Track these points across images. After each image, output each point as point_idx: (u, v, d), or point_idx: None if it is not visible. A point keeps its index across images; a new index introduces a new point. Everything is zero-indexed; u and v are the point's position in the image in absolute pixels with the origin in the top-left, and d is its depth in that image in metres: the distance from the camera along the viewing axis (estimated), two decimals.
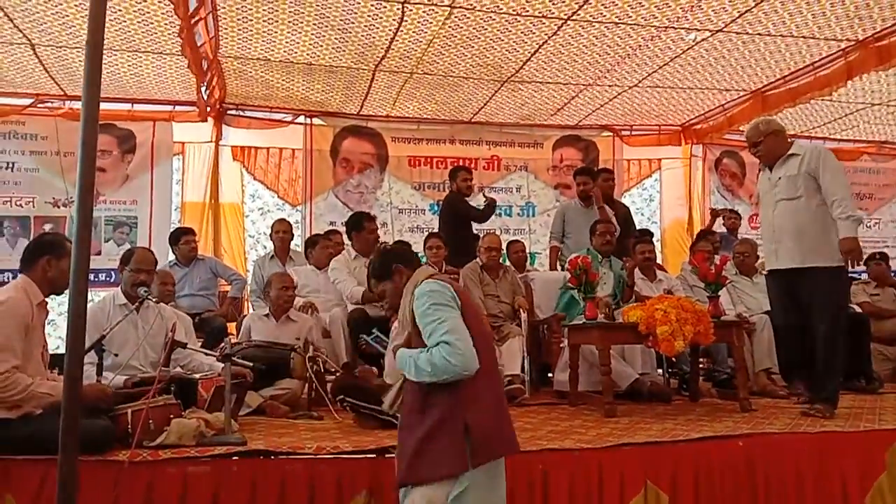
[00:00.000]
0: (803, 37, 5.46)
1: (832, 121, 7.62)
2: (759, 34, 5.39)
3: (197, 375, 3.40)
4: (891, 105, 7.04)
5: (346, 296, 4.98)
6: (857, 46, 5.56)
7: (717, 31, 5.33)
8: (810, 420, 3.67)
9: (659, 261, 6.88)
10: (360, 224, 5.22)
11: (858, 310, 5.86)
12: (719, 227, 6.96)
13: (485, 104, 7.03)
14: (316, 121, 7.22)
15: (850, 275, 5.74)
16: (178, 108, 6.72)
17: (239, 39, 5.35)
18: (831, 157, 3.94)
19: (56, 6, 4.71)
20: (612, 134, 7.97)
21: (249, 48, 5.52)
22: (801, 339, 3.96)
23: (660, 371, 5.26)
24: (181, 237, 5.64)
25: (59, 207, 6.43)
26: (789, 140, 4.12)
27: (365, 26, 5.15)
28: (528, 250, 6.86)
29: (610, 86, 6.59)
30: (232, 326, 5.40)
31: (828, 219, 3.81)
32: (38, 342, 2.89)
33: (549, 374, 5.36)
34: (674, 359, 5.32)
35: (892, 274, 6.90)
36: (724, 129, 7.36)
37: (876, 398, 4.69)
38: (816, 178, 3.86)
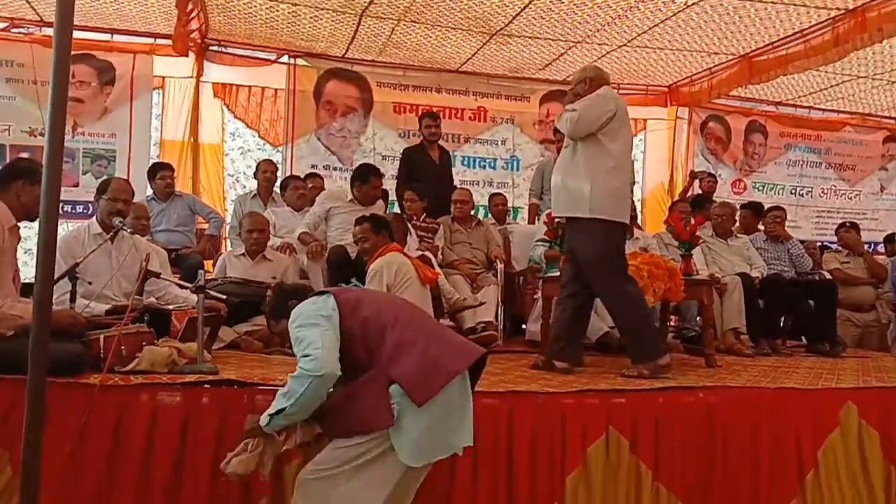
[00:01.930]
0: (794, 4, 5.43)
1: (818, 91, 7.65)
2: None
3: (171, 307, 3.41)
4: (875, 78, 7.06)
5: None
6: (847, 15, 5.54)
7: None
8: (771, 376, 3.77)
9: (639, 221, 6.95)
10: (367, 177, 5.06)
11: (828, 276, 5.99)
12: (697, 189, 7.01)
13: (472, 55, 6.94)
14: (300, 61, 7.06)
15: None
16: (158, 41, 6.55)
17: None
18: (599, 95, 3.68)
19: None
20: None
21: None
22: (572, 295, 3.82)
23: None
24: (158, 172, 5.58)
25: (35, 137, 6.30)
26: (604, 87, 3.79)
27: None
28: (510, 204, 6.88)
29: (599, 44, 6.54)
30: (209, 264, 5.40)
31: (584, 169, 3.63)
32: (9, 266, 2.88)
33: (523, 326, 5.45)
34: None
35: (867, 245, 7.04)
36: (711, 92, 7.33)
37: (837, 361, 4.80)
38: None
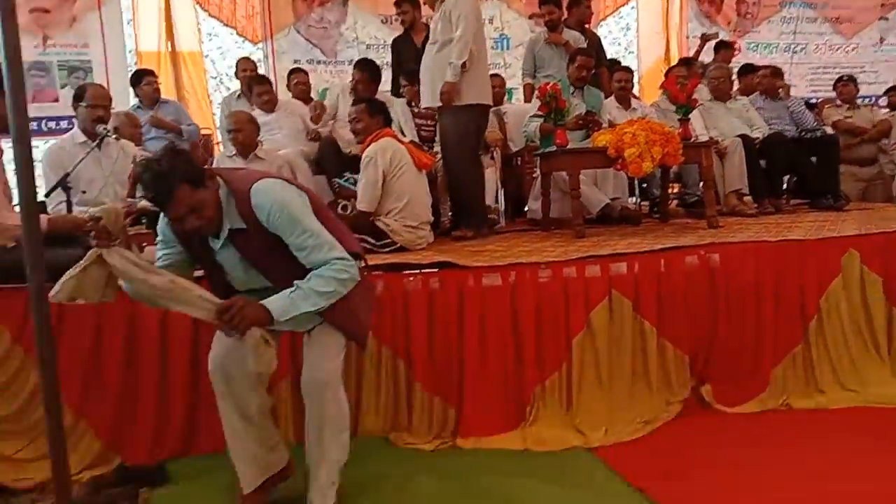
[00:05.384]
0: None
1: None
2: None
3: None
4: None
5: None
6: None
7: None
8: (773, 231, 3.78)
9: (636, 92, 6.76)
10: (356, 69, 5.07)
11: (830, 131, 5.90)
12: (709, 53, 6.70)
13: None
14: None
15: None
16: None
17: None
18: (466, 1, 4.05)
19: None
20: None
21: None
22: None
23: (632, 199, 5.34)
24: (143, 77, 5.41)
25: None
26: None
27: None
28: (505, 86, 6.66)
29: None
30: None
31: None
32: None
33: (525, 208, 5.42)
34: (644, 185, 5.40)
35: (866, 99, 6.88)
36: None
37: (840, 214, 4.78)
38: (451, 20, 4.04)
